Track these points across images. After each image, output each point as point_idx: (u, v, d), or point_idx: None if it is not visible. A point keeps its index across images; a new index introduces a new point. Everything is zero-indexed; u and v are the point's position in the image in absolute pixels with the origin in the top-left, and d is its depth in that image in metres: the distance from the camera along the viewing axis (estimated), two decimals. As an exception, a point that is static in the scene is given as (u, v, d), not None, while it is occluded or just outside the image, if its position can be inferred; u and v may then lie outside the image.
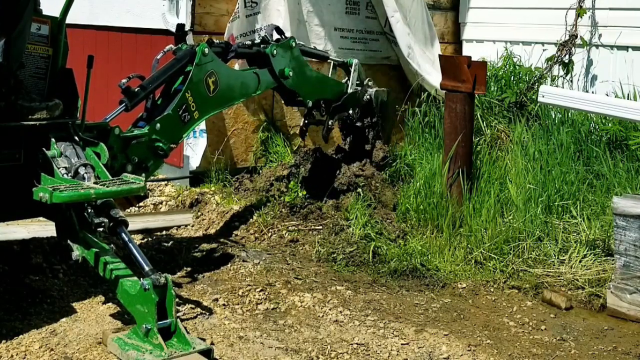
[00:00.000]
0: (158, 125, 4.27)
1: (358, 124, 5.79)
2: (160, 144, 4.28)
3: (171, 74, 4.41)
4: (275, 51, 4.97)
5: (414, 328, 3.96)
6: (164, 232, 5.32)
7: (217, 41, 4.83)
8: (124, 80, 4.19)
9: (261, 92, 5.11)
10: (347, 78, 5.66)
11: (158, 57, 4.47)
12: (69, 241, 3.74)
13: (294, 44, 5.13)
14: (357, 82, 5.67)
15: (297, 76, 5.12)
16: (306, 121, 5.54)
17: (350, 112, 5.67)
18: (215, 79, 4.56)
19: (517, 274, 4.67)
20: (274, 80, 5.04)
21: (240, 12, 6.10)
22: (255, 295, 4.21)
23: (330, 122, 5.54)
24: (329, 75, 5.77)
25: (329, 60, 5.78)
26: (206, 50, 4.48)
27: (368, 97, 5.73)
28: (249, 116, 6.36)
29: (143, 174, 4.26)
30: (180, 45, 4.60)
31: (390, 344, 3.76)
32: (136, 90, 4.22)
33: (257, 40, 5.20)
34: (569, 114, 6.16)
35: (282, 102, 5.68)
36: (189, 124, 4.45)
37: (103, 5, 6.91)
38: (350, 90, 5.59)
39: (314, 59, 5.68)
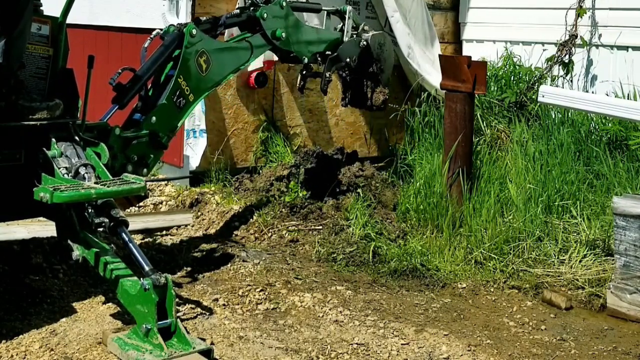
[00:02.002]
0: (154, 118, 4.23)
1: (357, 72, 5.59)
2: (158, 137, 4.27)
3: (161, 62, 4.33)
4: (265, 14, 4.84)
5: (414, 328, 3.96)
6: (164, 232, 5.32)
7: (204, 18, 4.72)
8: (114, 77, 4.14)
9: (255, 58, 4.97)
10: (342, 24, 5.51)
11: (145, 44, 4.37)
12: (69, 241, 3.73)
13: (284, 3, 5.00)
14: (353, 27, 5.52)
15: (290, 36, 5.01)
16: (304, 72, 5.38)
17: (348, 60, 5.48)
18: (207, 58, 4.46)
19: (517, 274, 4.67)
20: (266, 43, 4.93)
21: (241, 12, 6.08)
22: (255, 295, 4.21)
23: (327, 74, 5.36)
24: (323, 25, 5.62)
25: (322, 10, 5.59)
26: (194, 31, 4.38)
27: (364, 42, 5.52)
28: (249, 116, 6.36)
29: (144, 170, 4.26)
30: (167, 28, 4.48)
31: (390, 344, 3.76)
32: (128, 85, 4.18)
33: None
34: (569, 114, 6.16)
35: (282, 101, 5.66)
36: (185, 109, 4.39)
37: (103, 5, 6.90)
38: (346, 39, 5.45)
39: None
